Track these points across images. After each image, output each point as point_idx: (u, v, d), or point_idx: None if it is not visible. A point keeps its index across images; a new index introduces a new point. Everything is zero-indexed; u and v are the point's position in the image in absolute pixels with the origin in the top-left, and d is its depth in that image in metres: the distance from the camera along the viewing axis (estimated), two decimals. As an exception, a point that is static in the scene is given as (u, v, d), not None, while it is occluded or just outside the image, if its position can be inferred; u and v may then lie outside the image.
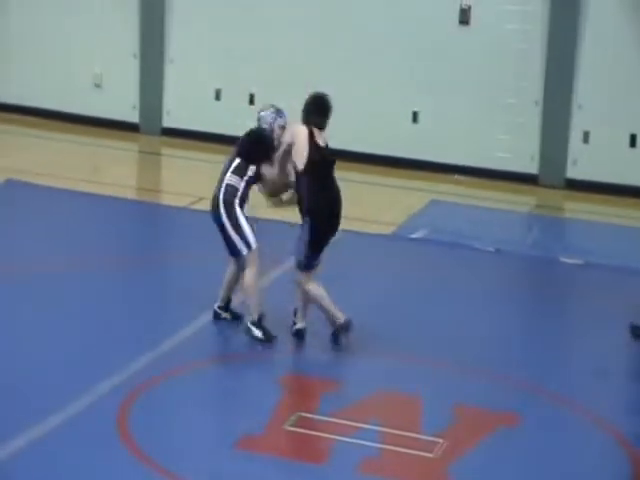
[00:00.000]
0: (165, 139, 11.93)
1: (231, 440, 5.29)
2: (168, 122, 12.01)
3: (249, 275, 6.38)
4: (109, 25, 12.03)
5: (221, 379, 6.08)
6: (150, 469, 5.00)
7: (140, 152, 11.78)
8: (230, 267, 6.62)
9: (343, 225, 6.61)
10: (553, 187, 10.70)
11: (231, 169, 6.52)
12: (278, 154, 6.47)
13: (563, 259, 8.46)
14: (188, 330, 6.60)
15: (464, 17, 10.88)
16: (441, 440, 5.40)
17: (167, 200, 9.87)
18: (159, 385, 5.87)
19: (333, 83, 11.38)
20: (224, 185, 6.48)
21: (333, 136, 12.26)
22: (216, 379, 6.08)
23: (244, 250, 6.39)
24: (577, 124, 10.60)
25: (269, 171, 6.43)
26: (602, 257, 8.41)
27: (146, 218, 9.48)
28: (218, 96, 11.78)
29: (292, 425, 5.50)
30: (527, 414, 5.75)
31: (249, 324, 6.39)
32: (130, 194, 10.06)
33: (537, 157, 10.79)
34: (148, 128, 12.07)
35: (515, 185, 10.65)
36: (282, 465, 5.18)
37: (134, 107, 12.08)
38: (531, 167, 10.78)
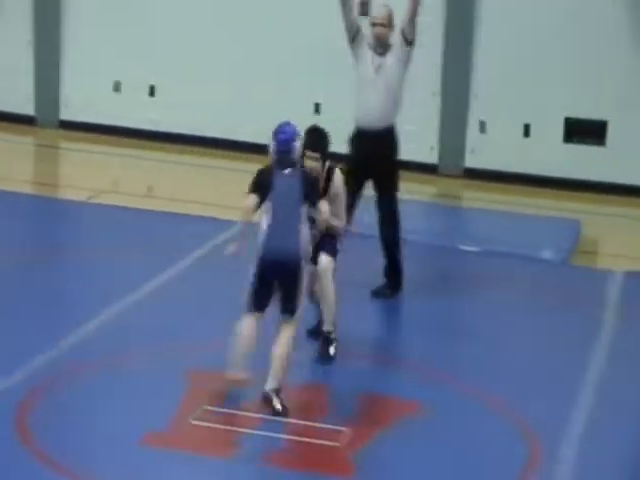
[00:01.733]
0: (63, 132, 11.68)
1: (136, 436, 5.24)
2: (66, 115, 11.76)
3: (290, 341, 5.57)
4: (1, 12, 11.68)
5: (125, 375, 5.99)
6: (53, 470, 4.91)
7: (37, 145, 11.51)
8: (252, 327, 5.62)
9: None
10: (452, 176, 10.90)
11: (303, 218, 5.62)
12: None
13: (462, 247, 8.64)
14: (91, 326, 6.50)
15: (364, 10, 10.96)
16: (346, 429, 5.46)
17: (66, 194, 9.68)
18: (61, 383, 5.77)
19: (234, 74, 11.37)
20: (302, 238, 5.59)
21: (231, 129, 12.17)
22: (120, 375, 5.99)
23: (298, 308, 5.61)
24: (474, 114, 10.81)
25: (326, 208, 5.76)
26: (499, 244, 8.63)
27: (44, 213, 9.28)
28: (117, 88, 11.60)
29: (197, 419, 5.48)
30: (431, 402, 5.86)
31: (272, 392, 5.54)
32: (27, 189, 9.82)
33: (437, 147, 10.97)
34: (45, 121, 11.79)
35: (416, 175, 10.80)
36: (188, 460, 5.16)
37: (29, 99, 11.78)
38: (431, 157, 10.95)
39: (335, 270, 6.35)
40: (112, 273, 7.45)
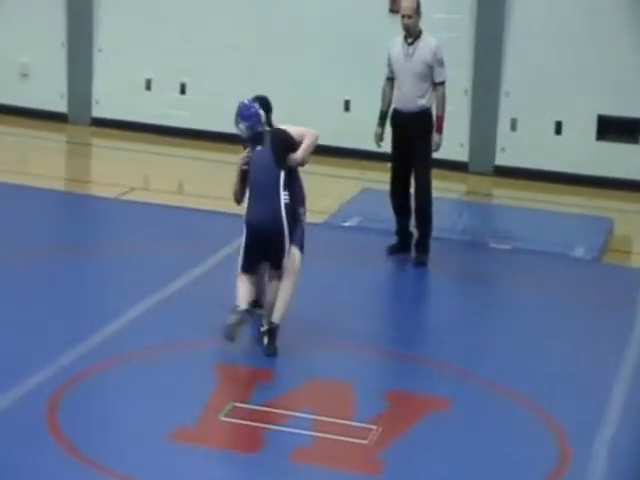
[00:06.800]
0: (95, 129, 11.78)
1: (165, 432, 5.27)
2: (97, 112, 11.86)
3: (289, 282, 6.25)
4: (35, 13, 11.80)
5: (155, 370, 6.04)
6: (83, 464, 4.96)
7: (69, 142, 11.61)
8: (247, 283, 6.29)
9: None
10: (482, 174, 10.86)
11: (281, 184, 6.21)
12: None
13: (492, 245, 8.61)
14: (121, 321, 6.55)
15: (394, 6, 10.94)
16: (375, 427, 5.45)
17: (97, 191, 9.75)
18: (91, 378, 5.82)
19: (264, 71, 11.40)
20: (282, 206, 6.19)
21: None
22: (150, 370, 6.03)
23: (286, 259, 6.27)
24: (505, 112, 10.76)
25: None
26: (530, 242, 8.59)
27: (76, 209, 9.36)
28: (149, 86, 11.67)
29: (226, 415, 5.50)
30: (459, 399, 5.85)
31: (276, 327, 6.20)
32: (59, 185, 9.91)
33: (467, 144, 10.92)
34: (77, 118, 11.90)
35: (446, 172, 10.76)
36: (216, 456, 5.19)
37: (62, 97, 11.89)
38: (461, 154, 10.91)
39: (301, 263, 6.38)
40: (142, 269, 7.51)
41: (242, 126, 6.24)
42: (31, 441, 5.11)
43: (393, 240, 8.07)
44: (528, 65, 10.63)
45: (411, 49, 7.77)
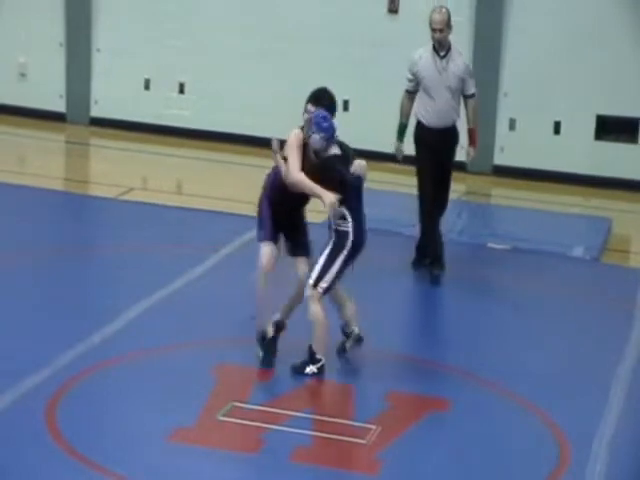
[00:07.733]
0: (93, 129, 11.79)
1: (164, 432, 5.27)
2: (96, 112, 11.86)
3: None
4: (33, 13, 11.80)
5: (154, 370, 6.04)
6: (82, 465, 4.96)
7: (67, 142, 11.61)
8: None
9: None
10: (481, 174, 10.87)
11: None
12: None
13: (491, 245, 8.62)
14: (120, 321, 6.56)
15: (392, 6, 10.96)
16: (373, 426, 5.46)
17: (96, 191, 9.76)
18: (90, 378, 5.82)
19: (263, 71, 11.41)
20: None
21: (260, 126, 12.19)
22: (148, 370, 6.03)
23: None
24: (503, 112, 10.77)
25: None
26: (528, 242, 8.60)
27: (75, 209, 9.36)
28: (147, 85, 11.68)
29: (225, 415, 5.50)
30: (459, 399, 5.85)
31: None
32: (58, 185, 9.92)
33: (465, 145, 10.92)
34: (75, 118, 11.90)
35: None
36: (215, 456, 5.19)
37: (61, 96, 11.90)
38: (460, 155, 10.90)
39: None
40: (142, 269, 7.52)
41: (318, 136, 6.10)
42: (30, 441, 5.11)
43: (413, 251, 7.89)
44: (527, 65, 10.64)
45: (444, 62, 7.57)
